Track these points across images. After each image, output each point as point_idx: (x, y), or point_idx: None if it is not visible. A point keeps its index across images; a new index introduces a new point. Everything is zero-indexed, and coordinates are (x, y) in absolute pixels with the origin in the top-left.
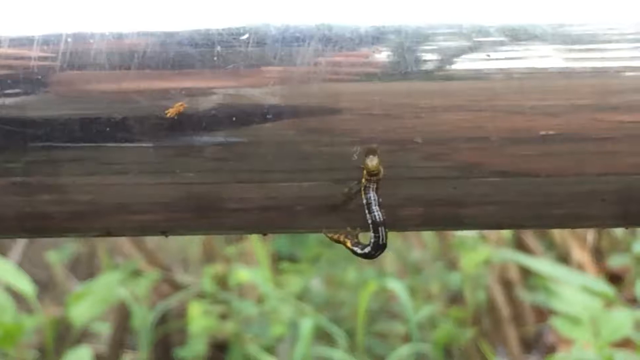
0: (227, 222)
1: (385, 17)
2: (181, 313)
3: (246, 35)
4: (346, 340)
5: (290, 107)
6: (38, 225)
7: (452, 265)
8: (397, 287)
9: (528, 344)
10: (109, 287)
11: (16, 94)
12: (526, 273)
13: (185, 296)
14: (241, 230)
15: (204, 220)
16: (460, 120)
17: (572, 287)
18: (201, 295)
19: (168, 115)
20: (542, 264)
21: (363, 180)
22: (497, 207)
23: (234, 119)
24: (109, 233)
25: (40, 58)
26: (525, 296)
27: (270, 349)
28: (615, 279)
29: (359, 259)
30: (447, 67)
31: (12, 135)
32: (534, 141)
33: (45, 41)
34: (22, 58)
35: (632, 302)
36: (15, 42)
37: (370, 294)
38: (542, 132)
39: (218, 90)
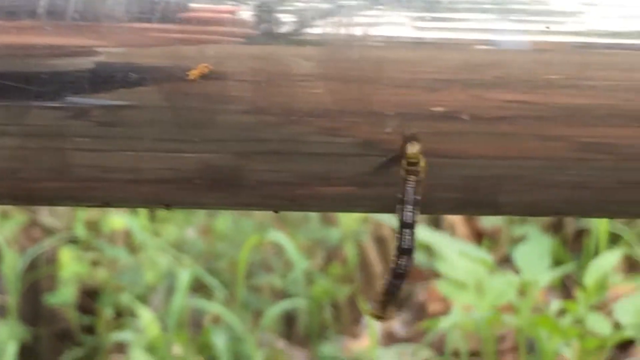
0: (115, 195)
1: None
2: (52, 259)
3: None
4: (223, 293)
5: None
6: None
7: (330, 221)
8: (281, 239)
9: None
10: None
11: None
12: None
13: (57, 242)
14: (131, 203)
15: (90, 192)
16: None
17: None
18: (73, 241)
19: (191, 77)
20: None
21: (402, 171)
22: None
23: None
24: None
25: None
26: None
27: (143, 298)
28: (482, 237)
29: None
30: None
31: None
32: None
33: None
34: None
35: (505, 262)
36: None
37: (250, 247)
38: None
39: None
